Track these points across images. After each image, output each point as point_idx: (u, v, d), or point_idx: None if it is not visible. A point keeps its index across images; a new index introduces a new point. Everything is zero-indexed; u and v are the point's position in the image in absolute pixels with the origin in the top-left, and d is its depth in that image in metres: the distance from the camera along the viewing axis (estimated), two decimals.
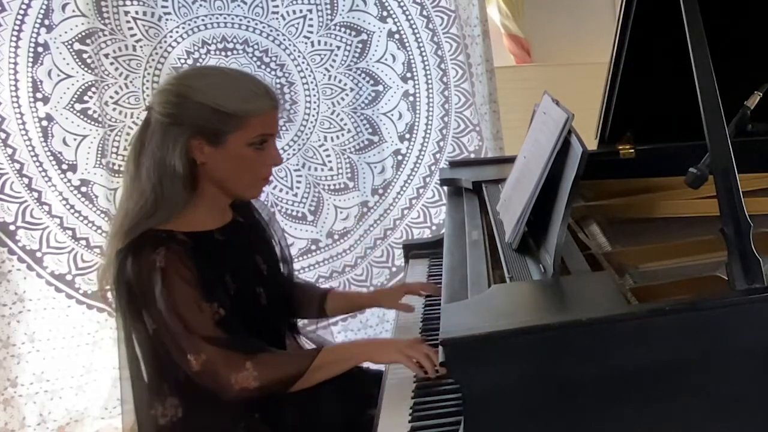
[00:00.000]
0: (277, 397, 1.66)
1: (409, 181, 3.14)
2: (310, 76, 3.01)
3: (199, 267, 1.61)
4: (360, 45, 3.04)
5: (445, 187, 2.54)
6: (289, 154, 3.00)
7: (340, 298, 2.01)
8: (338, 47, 3.02)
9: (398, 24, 3.06)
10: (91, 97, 2.75)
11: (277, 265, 1.86)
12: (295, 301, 1.91)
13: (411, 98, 3.11)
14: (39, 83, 2.69)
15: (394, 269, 3.12)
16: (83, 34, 2.72)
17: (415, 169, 3.14)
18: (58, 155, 2.73)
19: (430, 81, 3.11)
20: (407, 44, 3.08)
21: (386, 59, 3.07)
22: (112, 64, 2.76)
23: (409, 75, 3.10)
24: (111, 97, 2.78)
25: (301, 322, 1.98)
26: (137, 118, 2.80)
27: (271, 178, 1.88)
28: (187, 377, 1.60)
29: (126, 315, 1.65)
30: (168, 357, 1.60)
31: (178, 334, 1.57)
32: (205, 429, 1.66)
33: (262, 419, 1.70)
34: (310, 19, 2.98)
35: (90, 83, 2.75)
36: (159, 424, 1.65)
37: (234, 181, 1.69)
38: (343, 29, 3.02)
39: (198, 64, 2.85)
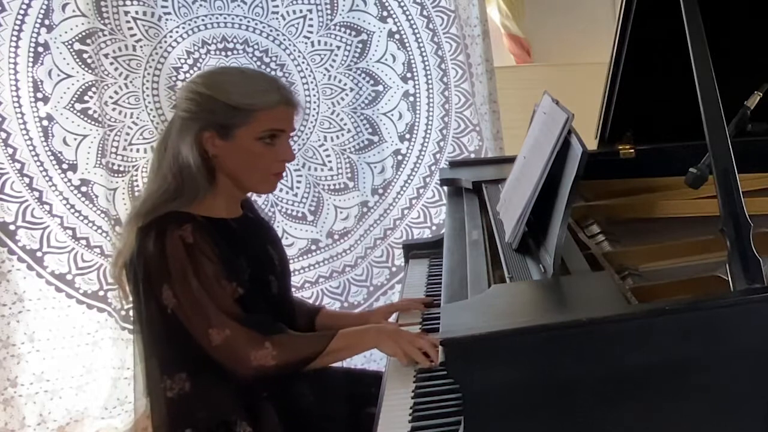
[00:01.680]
0: (282, 384, 1.69)
1: (409, 181, 3.14)
2: (310, 76, 3.00)
3: (219, 246, 1.66)
4: (360, 45, 3.03)
5: (445, 187, 2.54)
6: None
7: (331, 317, 2.05)
8: (338, 47, 3.01)
9: (398, 24, 3.05)
10: (91, 97, 2.75)
11: (286, 260, 1.91)
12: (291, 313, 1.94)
13: (411, 98, 3.11)
14: (39, 83, 2.69)
15: (394, 269, 3.12)
16: (83, 34, 2.72)
17: (415, 169, 3.14)
18: (59, 155, 2.73)
19: (430, 81, 3.11)
20: (407, 44, 3.07)
21: (386, 59, 3.07)
22: (111, 64, 2.76)
23: (409, 75, 3.10)
24: (111, 97, 2.77)
25: None
26: (137, 118, 2.80)
27: None
28: (197, 353, 1.64)
29: (140, 292, 1.68)
30: (181, 333, 1.64)
31: (204, 307, 1.62)
32: (211, 403, 1.69)
33: (268, 399, 1.73)
34: (310, 19, 2.97)
35: (90, 83, 2.74)
36: (167, 397, 1.68)
37: (245, 174, 1.75)
38: (343, 29, 3.01)
39: (198, 65, 2.84)
